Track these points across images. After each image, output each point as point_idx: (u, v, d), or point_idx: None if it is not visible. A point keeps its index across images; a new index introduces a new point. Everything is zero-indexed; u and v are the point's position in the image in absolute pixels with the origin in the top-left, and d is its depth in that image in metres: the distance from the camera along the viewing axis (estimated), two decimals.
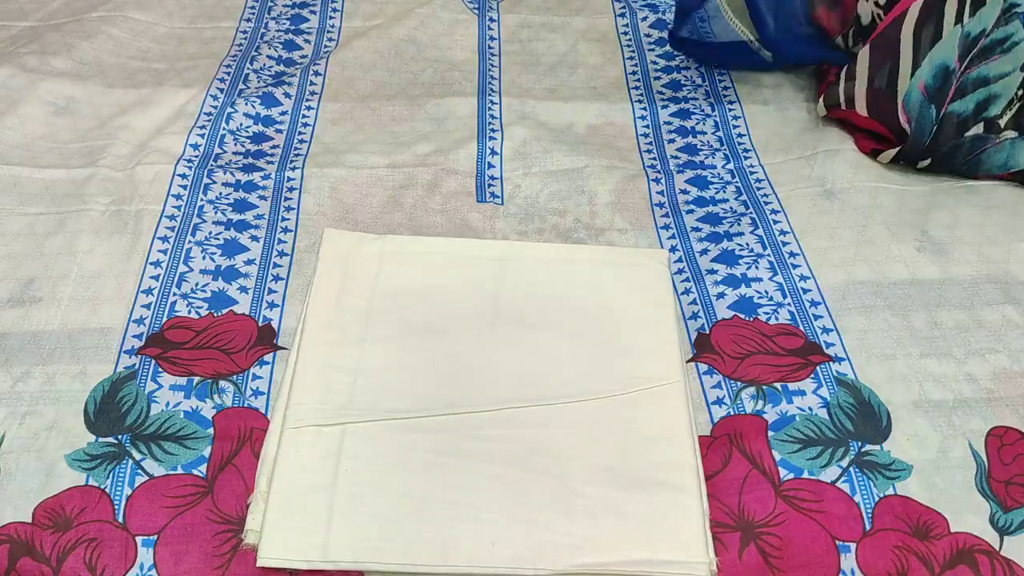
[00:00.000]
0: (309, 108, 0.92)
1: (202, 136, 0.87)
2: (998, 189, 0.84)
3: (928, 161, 0.84)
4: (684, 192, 0.85)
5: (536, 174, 0.86)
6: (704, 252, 0.78)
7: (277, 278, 0.73)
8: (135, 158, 0.83)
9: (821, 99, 0.91)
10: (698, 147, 0.90)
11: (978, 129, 0.82)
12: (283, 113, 0.91)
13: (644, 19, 1.08)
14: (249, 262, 0.74)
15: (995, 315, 0.72)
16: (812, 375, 0.67)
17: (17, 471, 0.58)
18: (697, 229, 0.81)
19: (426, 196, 0.82)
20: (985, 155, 0.83)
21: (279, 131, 0.89)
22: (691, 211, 0.82)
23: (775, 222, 0.81)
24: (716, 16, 0.95)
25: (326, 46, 1.03)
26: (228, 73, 0.96)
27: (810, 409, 0.65)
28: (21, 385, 0.63)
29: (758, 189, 0.85)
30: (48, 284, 0.71)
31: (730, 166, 0.88)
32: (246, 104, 0.91)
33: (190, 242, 0.75)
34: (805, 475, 0.61)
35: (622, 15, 1.09)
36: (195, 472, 0.59)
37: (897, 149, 0.84)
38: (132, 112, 0.89)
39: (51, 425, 0.61)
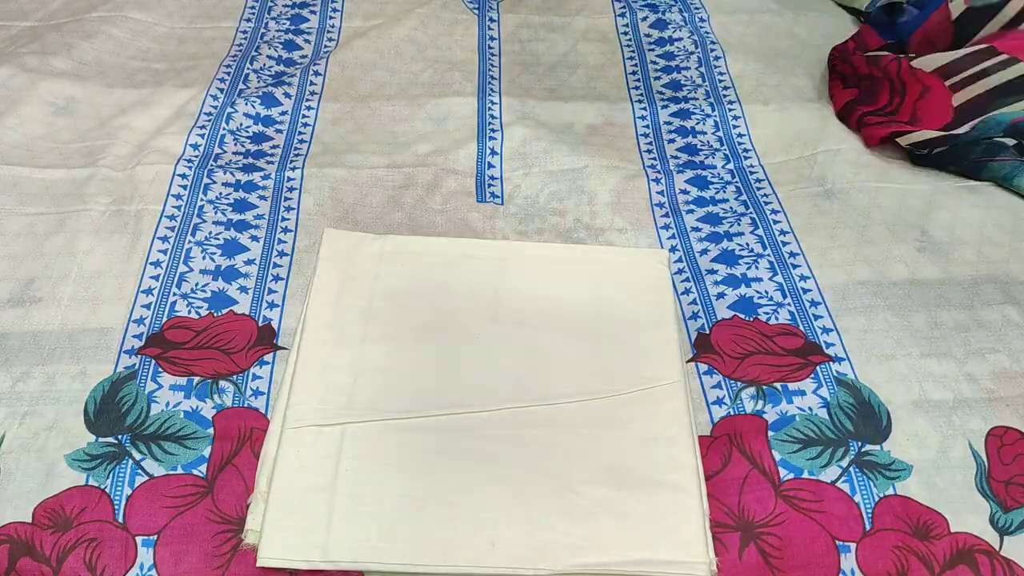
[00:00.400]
0: (309, 108, 0.92)
1: (202, 136, 0.87)
2: (998, 190, 0.84)
3: (945, 147, 0.84)
4: (684, 192, 0.85)
5: (536, 174, 0.86)
6: (704, 252, 0.78)
7: (277, 278, 0.73)
8: (135, 158, 0.83)
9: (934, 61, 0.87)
10: (698, 147, 0.90)
11: (1005, 140, 0.82)
12: (283, 113, 0.91)
13: (644, 19, 1.09)
14: (249, 262, 0.74)
15: (995, 315, 0.72)
16: (812, 375, 0.67)
17: (17, 471, 0.58)
18: (697, 229, 0.81)
19: (426, 196, 0.82)
20: (996, 164, 0.83)
21: (279, 131, 0.89)
22: (691, 211, 0.82)
23: (775, 222, 0.81)
24: None
25: (326, 46, 1.03)
26: (228, 73, 0.96)
27: (810, 409, 0.65)
28: (21, 385, 0.63)
29: (758, 189, 0.85)
30: (48, 284, 0.71)
31: (730, 166, 0.88)
32: (246, 104, 0.91)
33: (190, 242, 0.75)
34: (805, 475, 0.61)
35: (622, 15, 1.09)
36: (195, 472, 0.59)
37: (926, 136, 0.84)
38: (132, 112, 0.89)
39: (51, 425, 0.61)
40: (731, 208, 0.83)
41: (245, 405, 0.63)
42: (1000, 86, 0.83)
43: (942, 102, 0.85)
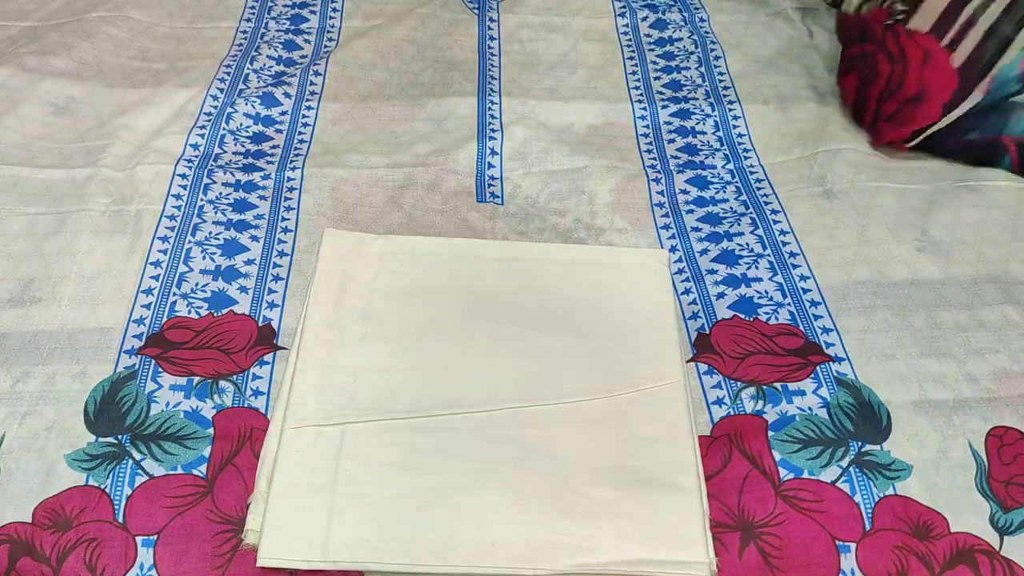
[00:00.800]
0: (309, 108, 0.92)
1: (202, 136, 0.87)
2: (998, 189, 0.84)
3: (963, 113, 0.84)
4: (684, 192, 0.85)
5: (536, 174, 0.86)
6: (704, 252, 0.78)
7: (277, 278, 0.73)
8: (135, 158, 0.83)
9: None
10: (698, 147, 0.91)
11: (1021, 97, 0.83)
12: (283, 113, 0.91)
13: (644, 19, 1.09)
14: (249, 262, 0.74)
15: (995, 315, 0.72)
16: (812, 375, 0.67)
17: (17, 471, 0.58)
18: (697, 229, 0.81)
19: (426, 196, 0.82)
20: (1016, 119, 0.83)
21: (279, 131, 0.89)
22: (691, 211, 0.82)
23: (775, 222, 0.81)
24: None
25: (326, 46, 1.03)
26: (228, 73, 0.96)
27: (810, 409, 0.65)
28: (21, 385, 0.63)
29: (758, 189, 0.85)
30: (48, 284, 0.71)
31: (730, 166, 0.88)
32: (246, 104, 0.91)
33: (190, 242, 0.75)
34: (805, 475, 0.61)
35: (622, 15, 1.09)
36: (195, 472, 0.59)
37: (944, 124, 0.84)
38: (132, 112, 0.89)
39: (51, 425, 0.61)
40: (731, 208, 0.83)
41: (245, 405, 0.63)
42: (989, 29, 0.81)
43: (943, 67, 0.83)
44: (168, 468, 0.59)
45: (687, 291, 0.75)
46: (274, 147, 0.87)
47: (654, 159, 0.89)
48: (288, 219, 0.79)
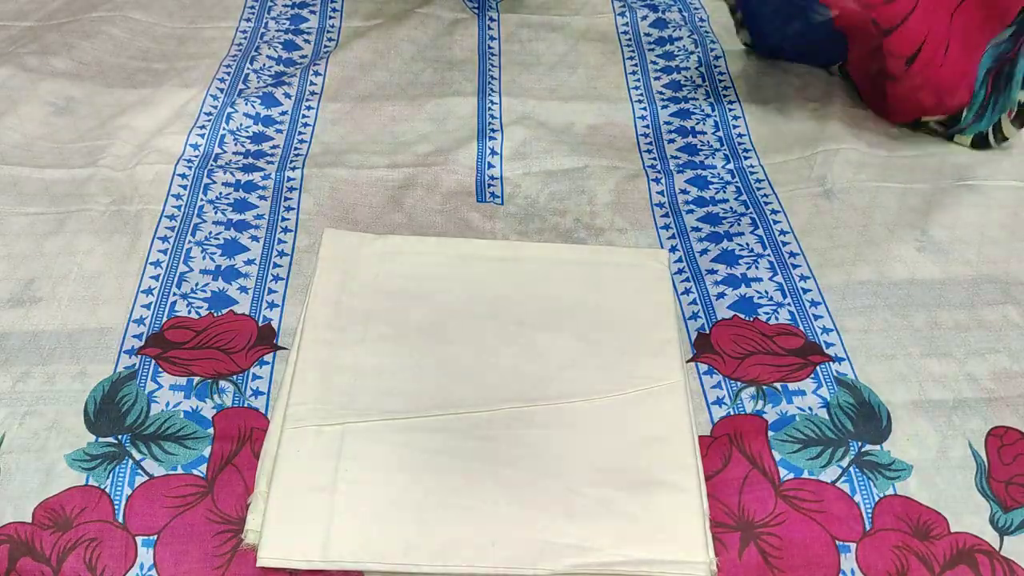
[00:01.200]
0: (309, 108, 0.92)
1: (202, 136, 0.87)
2: (998, 189, 0.84)
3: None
4: (684, 192, 0.85)
5: (536, 174, 0.86)
6: (704, 252, 0.78)
7: (277, 278, 0.73)
8: (135, 158, 0.83)
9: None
10: (698, 147, 0.91)
11: None
12: (283, 113, 0.91)
13: (644, 19, 1.09)
14: (249, 262, 0.74)
15: (995, 315, 0.72)
16: (812, 375, 0.67)
17: (17, 471, 0.58)
18: (697, 229, 0.81)
19: (426, 196, 0.82)
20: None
21: (279, 131, 0.89)
22: (691, 211, 0.82)
23: (775, 222, 0.81)
24: None
25: (326, 46, 1.03)
26: (228, 73, 0.96)
27: (810, 409, 0.65)
28: (21, 385, 0.63)
29: (758, 189, 0.85)
30: (48, 284, 0.71)
31: (730, 166, 0.88)
32: (246, 104, 0.91)
33: (190, 242, 0.75)
34: (805, 475, 0.61)
35: (622, 15, 1.09)
36: (195, 472, 0.59)
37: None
38: (132, 112, 0.89)
39: (51, 425, 0.61)
40: (731, 208, 0.83)
41: (245, 405, 0.63)
42: None
43: None
44: (168, 468, 0.59)
45: (687, 291, 0.75)
46: (274, 147, 0.87)
47: (654, 159, 0.89)
48: (288, 219, 0.79)
